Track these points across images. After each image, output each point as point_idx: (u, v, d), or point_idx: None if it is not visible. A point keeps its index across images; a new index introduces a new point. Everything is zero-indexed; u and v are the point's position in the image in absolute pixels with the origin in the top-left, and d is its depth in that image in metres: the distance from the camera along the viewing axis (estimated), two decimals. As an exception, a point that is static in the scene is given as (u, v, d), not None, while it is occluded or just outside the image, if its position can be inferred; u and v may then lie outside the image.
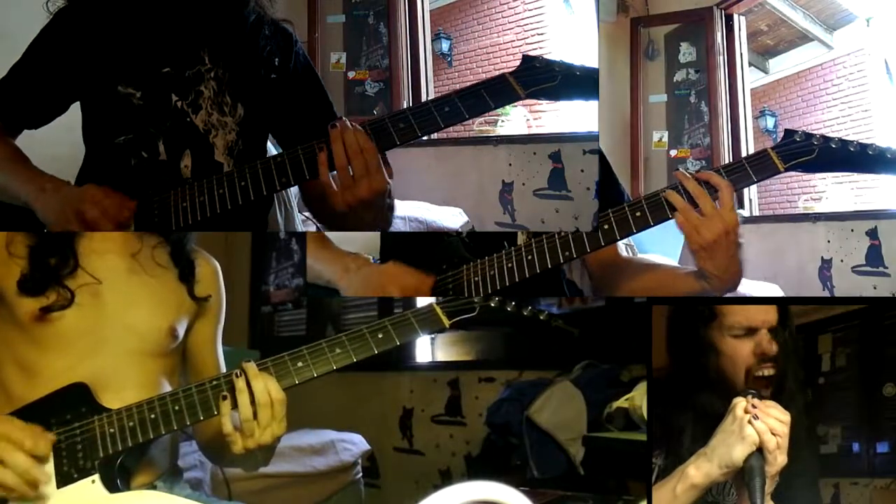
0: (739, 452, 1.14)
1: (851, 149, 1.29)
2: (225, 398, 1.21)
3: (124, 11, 1.45)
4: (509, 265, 1.39)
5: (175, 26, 1.45)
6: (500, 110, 3.11)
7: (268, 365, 1.24)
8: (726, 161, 3.35)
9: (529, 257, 1.38)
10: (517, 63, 1.43)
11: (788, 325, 1.31)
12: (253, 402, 1.20)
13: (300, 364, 1.24)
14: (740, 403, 1.17)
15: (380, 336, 1.26)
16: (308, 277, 1.55)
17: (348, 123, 1.34)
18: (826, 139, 1.30)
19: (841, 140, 1.30)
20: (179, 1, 1.45)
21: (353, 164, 1.33)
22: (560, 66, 1.40)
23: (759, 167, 1.32)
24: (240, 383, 1.21)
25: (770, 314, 1.30)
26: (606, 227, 1.36)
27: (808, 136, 1.30)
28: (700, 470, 1.17)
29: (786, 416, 1.16)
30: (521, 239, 1.48)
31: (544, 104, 3.21)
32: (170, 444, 1.40)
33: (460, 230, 1.54)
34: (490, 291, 1.39)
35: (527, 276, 1.39)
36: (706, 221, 1.30)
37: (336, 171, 1.34)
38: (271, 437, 1.22)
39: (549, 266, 1.38)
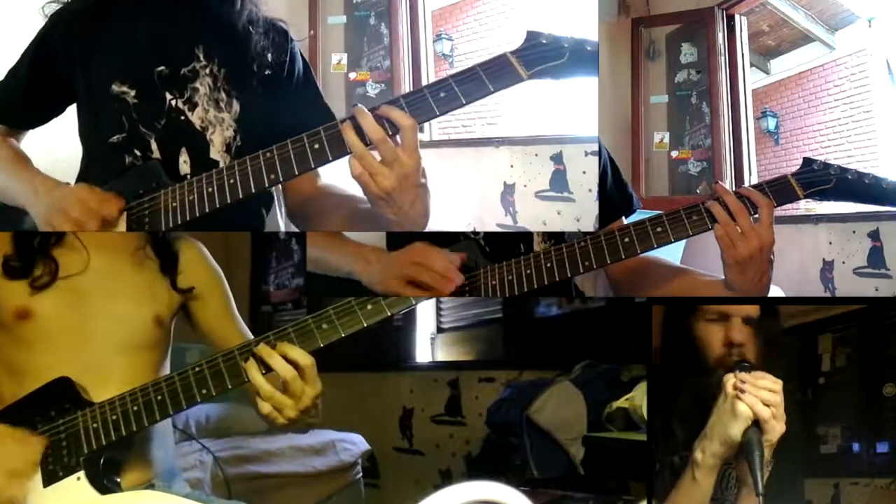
0: (736, 429, 1.16)
1: (867, 181, 1.32)
2: (251, 386, 1.19)
3: (118, 12, 1.45)
4: (528, 272, 1.39)
5: (168, 24, 1.45)
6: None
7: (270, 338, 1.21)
8: (727, 162, 3.35)
9: (549, 265, 1.38)
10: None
11: (772, 319, 1.32)
12: (279, 378, 1.18)
13: (281, 344, 1.21)
14: (729, 380, 1.19)
15: (369, 307, 1.20)
16: (321, 270, 1.49)
17: (364, 109, 1.27)
18: (843, 170, 1.32)
19: (857, 172, 1.32)
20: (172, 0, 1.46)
21: (379, 148, 1.26)
22: (569, 42, 1.29)
23: (779, 193, 1.34)
24: (252, 369, 1.18)
25: (749, 306, 1.31)
26: (627, 239, 1.36)
27: (827, 165, 1.33)
28: (706, 452, 1.20)
29: (777, 385, 1.17)
30: (536, 242, 1.48)
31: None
32: (167, 443, 1.40)
33: (476, 231, 1.52)
34: (507, 296, 1.39)
35: (546, 283, 1.38)
36: (743, 237, 1.31)
37: (359, 160, 1.26)
38: (310, 400, 1.20)
39: (570, 276, 1.38)
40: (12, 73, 1.49)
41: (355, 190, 1.36)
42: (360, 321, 1.20)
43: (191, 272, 1.44)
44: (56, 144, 1.61)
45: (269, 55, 1.49)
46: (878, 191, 1.32)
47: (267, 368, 1.19)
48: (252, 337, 1.36)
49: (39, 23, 1.48)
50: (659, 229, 1.35)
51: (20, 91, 1.48)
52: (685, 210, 1.35)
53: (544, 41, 1.29)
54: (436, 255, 1.38)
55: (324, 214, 1.53)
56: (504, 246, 1.47)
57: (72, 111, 1.52)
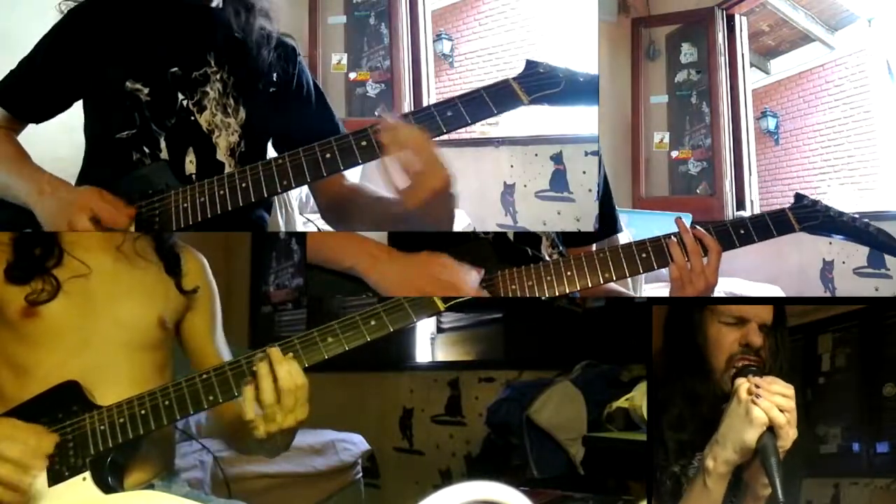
0: (751, 435, 1.14)
1: (844, 219, 1.47)
2: (249, 382, 1.20)
3: (134, 13, 1.48)
4: (548, 278, 1.40)
5: (182, 30, 1.48)
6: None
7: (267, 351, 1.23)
8: (727, 162, 3.36)
9: (569, 273, 1.40)
10: (519, 63, 1.40)
11: (782, 326, 1.32)
12: (276, 387, 1.19)
13: (290, 355, 1.22)
14: (743, 385, 1.16)
15: (372, 323, 1.23)
16: (319, 262, 1.47)
17: (391, 120, 1.32)
18: (827, 208, 1.47)
19: (838, 211, 1.47)
20: (189, 6, 1.49)
21: (414, 161, 1.30)
22: (564, 73, 1.39)
23: (779, 224, 1.45)
24: (262, 368, 1.19)
25: (765, 311, 1.30)
26: (644, 255, 1.40)
27: (815, 202, 1.47)
28: (718, 459, 1.17)
29: (790, 390, 1.15)
30: (544, 246, 1.49)
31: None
32: (167, 444, 1.40)
33: (486, 231, 1.52)
34: (528, 298, 1.40)
35: (567, 292, 1.40)
36: (693, 278, 1.40)
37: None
38: (294, 421, 1.21)
39: (590, 286, 1.40)
40: (27, 63, 1.50)
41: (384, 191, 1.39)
42: (363, 336, 1.23)
43: (193, 276, 1.46)
44: (57, 144, 1.61)
45: (278, 70, 1.53)
46: (852, 229, 1.46)
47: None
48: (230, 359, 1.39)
49: (54, 18, 1.49)
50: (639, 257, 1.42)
51: (33, 82, 1.49)
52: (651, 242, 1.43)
53: (542, 70, 1.38)
54: (462, 273, 1.37)
55: (358, 213, 1.55)
56: (512, 247, 1.48)
57: (76, 109, 1.52)
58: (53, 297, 1.30)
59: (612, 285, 1.63)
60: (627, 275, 1.41)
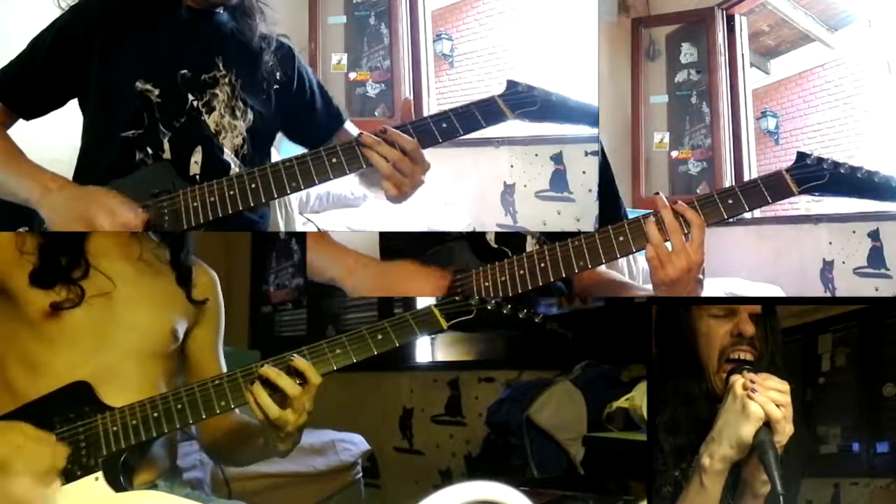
0: (747, 430, 1.13)
1: (860, 175, 1.30)
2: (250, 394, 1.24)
3: (142, 15, 1.50)
4: (521, 272, 1.40)
5: (189, 34, 1.51)
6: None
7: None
8: (727, 162, 3.36)
9: (543, 265, 1.39)
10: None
11: (773, 314, 1.31)
12: (284, 401, 1.24)
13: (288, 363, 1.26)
14: (738, 381, 1.16)
15: (379, 337, 1.29)
16: (309, 275, 1.56)
17: (374, 137, 1.41)
18: (836, 164, 1.31)
19: (851, 166, 1.31)
20: (193, 10, 1.52)
21: (399, 167, 1.41)
22: (539, 93, 1.50)
23: (774, 189, 1.33)
24: (257, 390, 1.24)
25: (754, 305, 1.30)
26: (622, 238, 1.36)
27: (820, 160, 1.32)
28: (714, 456, 1.17)
29: (785, 385, 1.15)
30: (530, 244, 1.49)
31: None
32: (170, 444, 1.41)
33: (465, 231, 1.56)
34: (501, 297, 1.39)
35: (540, 284, 1.39)
36: (673, 257, 1.32)
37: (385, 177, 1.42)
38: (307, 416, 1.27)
39: (564, 276, 1.39)
40: (27, 57, 1.50)
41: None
42: (370, 349, 1.30)
43: (204, 289, 1.47)
44: (56, 146, 1.61)
45: (279, 71, 1.58)
46: (871, 185, 1.31)
47: (273, 388, 1.24)
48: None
49: (53, 13, 1.51)
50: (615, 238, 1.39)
51: (34, 76, 1.50)
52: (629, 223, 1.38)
53: (521, 90, 1.50)
54: (426, 278, 1.43)
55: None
56: (491, 249, 1.49)
57: (75, 112, 1.53)
58: (77, 306, 1.31)
59: (608, 272, 1.61)
60: (604, 261, 1.38)
